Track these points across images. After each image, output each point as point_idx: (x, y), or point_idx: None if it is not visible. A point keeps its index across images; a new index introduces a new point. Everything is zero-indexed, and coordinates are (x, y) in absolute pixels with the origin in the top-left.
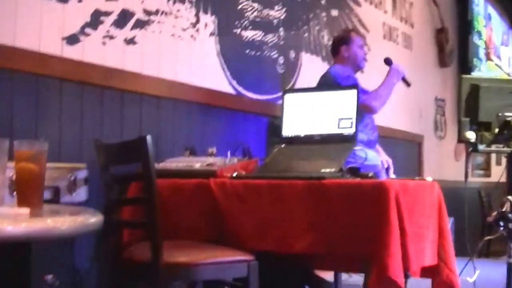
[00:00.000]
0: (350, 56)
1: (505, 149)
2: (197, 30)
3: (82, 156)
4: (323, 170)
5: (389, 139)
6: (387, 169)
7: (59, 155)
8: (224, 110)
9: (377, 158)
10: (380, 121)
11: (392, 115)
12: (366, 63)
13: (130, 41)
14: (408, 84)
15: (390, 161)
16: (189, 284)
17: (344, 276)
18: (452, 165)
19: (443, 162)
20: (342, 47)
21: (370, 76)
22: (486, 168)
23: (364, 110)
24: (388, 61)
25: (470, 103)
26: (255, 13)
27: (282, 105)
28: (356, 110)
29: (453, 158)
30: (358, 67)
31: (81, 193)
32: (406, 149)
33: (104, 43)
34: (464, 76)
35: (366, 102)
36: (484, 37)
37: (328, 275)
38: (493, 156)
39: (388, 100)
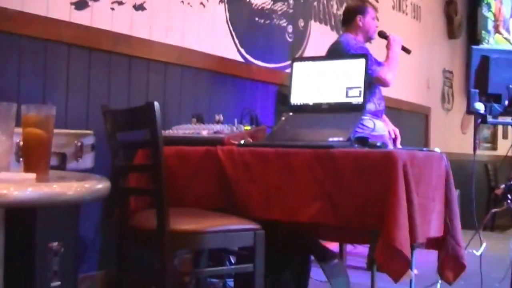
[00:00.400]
0: (364, 26)
1: None
2: None
3: (89, 122)
4: (331, 139)
5: (396, 110)
6: (394, 140)
7: (65, 121)
8: (232, 77)
9: (384, 128)
10: (387, 92)
11: (399, 86)
12: (376, 34)
13: (139, 7)
14: (408, 51)
15: (397, 131)
16: (195, 252)
17: (348, 248)
18: (458, 138)
19: (450, 135)
20: (358, 17)
21: (379, 47)
22: (492, 142)
23: (378, 83)
24: (382, 34)
25: (479, 74)
26: None
27: (290, 73)
28: (364, 80)
29: (459, 131)
30: (369, 39)
31: (87, 160)
32: (413, 121)
33: (112, 9)
34: (474, 47)
35: (380, 76)
36: (493, 9)
37: (332, 246)
38: (500, 130)
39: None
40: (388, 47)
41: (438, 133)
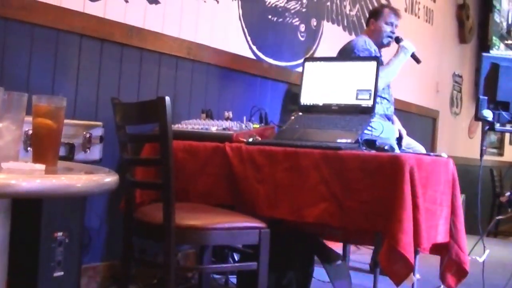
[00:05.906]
0: (375, 30)
1: None
2: None
3: (98, 113)
4: (339, 141)
5: (405, 113)
6: (400, 139)
7: (74, 112)
8: (242, 74)
9: (392, 131)
10: (396, 94)
11: (409, 88)
12: (391, 40)
13: (153, 0)
14: (418, 61)
15: (404, 132)
16: (199, 248)
17: (352, 249)
18: (465, 142)
19: (456, 139)
20: (371, 20)
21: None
22: (499, 147)
23: None
24: (397, 39)
25: (489, 81)
26: None
27: (302, 73)
28: (375, 83)
29: (466, 135)
30: (380, 43)
31: (95, 152)
32: (421, 124)
33: (126, 1)
34: (485, 54)
35: None
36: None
37: (336, 247)
38: (507, 135)
39: (394, 77)
40: (395, 53)
41: (445, 136)
